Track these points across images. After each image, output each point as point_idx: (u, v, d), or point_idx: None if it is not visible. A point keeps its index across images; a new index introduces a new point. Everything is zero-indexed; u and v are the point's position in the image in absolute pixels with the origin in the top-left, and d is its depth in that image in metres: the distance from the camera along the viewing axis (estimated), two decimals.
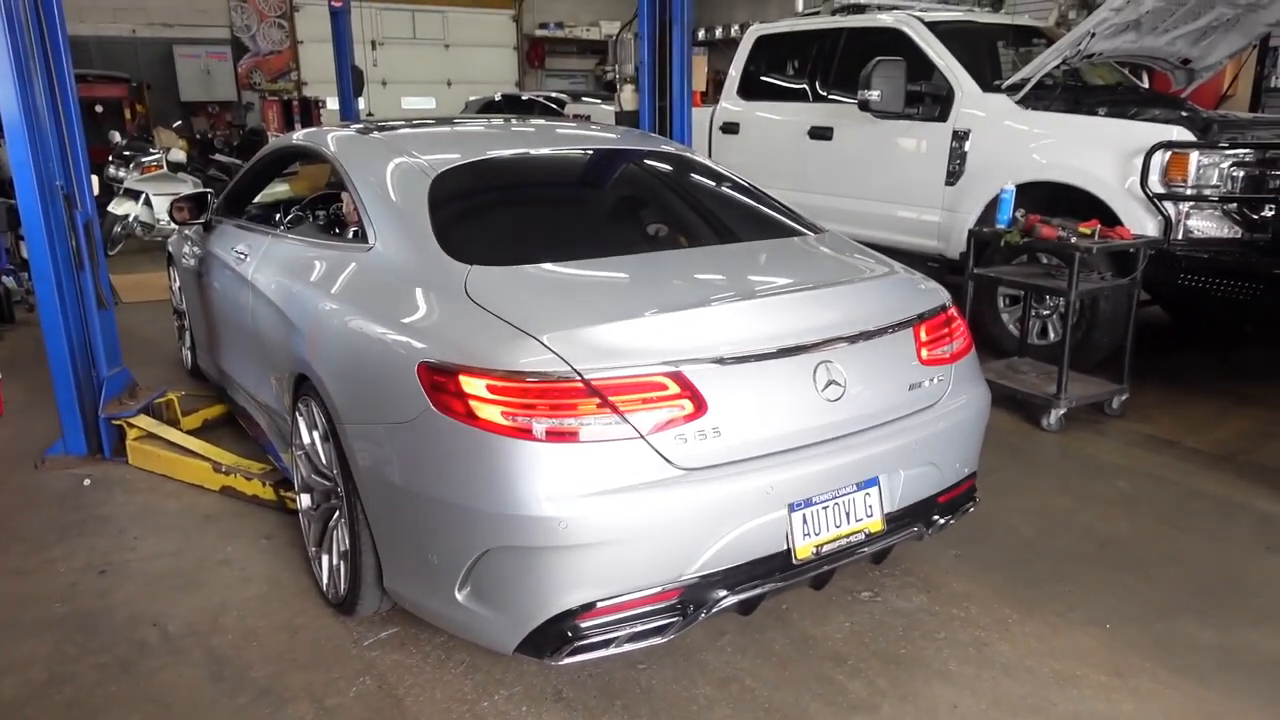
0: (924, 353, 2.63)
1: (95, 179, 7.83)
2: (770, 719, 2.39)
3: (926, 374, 2.62)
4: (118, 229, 9.20)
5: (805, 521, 2.35)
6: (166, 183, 9.32)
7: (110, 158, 10.20)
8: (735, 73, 7.45)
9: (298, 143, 3.69)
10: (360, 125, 3.65)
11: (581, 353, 2.15)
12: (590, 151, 3.45)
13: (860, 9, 6.63)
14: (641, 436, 2.13)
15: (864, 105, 5.80)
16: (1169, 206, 4.58)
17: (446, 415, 2.17)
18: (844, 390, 2.40)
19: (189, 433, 4.22)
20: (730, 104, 7.43)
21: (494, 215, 2.91)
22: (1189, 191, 4.59)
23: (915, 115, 5.75)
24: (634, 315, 2.26)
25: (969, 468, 2.82)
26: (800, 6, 7.47)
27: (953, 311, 2.81)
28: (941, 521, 2.72)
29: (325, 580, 2.88)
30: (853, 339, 2.44)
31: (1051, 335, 5.18)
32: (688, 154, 3.54)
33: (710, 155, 7.61)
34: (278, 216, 3.98)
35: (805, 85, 6.85)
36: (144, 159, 9.82)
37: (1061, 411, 4.38)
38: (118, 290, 7.64)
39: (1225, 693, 2.49)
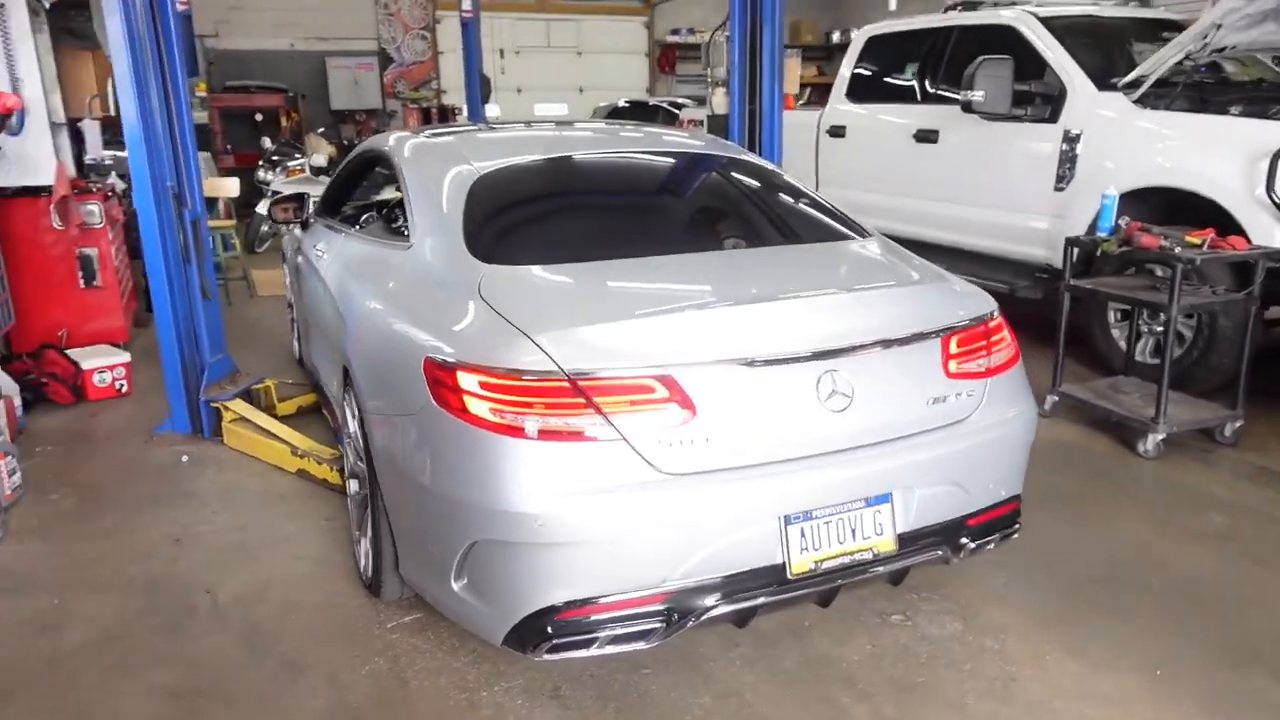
0: (952, 365, 2.49)
1: (236, 180, 8.48)
2: None
3: (954, 388, 2.48)
4: (264, 228, 9.93)
5: (803, 535, 2.27)
6: (309, 185, 9.96)
7: (260, 162, 11.00)
8: (844, 75, 7.28)
9: (372, 147, 3.87)
10: (429, 130, 3.79)
11: (571, 353, 2.16)
12: (635, 156, 3.45)
13: (973, 6, 6.33)
14: (624, 439, 2.13)
15: (967, 107, 5.55)
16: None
17: (443, 409, 2.24)
18: (850, 401, 2.30)
19: (282, 419, 4.50)
20: (838, 106, 7.26)
21: (523, 218, 2.96)
22: None
23: (1023, 117, 5.43)
24: (627, 317, 2.25)
25: (1008, 490, 2.64)
26: (893, 6, 7.19)
27: (995, 323, 2.64)
28: (972, 546, 2.57)
29: (361, 563, 3.01)
30: (864, 348, 2.34)
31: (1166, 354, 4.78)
32: (739, 157, 3.47)
33: (817, 159, 7.47)
34: (361, 217, 4.19)
35: (912, 87, 6.60)
36: (290, 163, 10.56)
37: (1160, 437, 4.03)
38: (255, 284, 8.25)
39: None
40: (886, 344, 2.38)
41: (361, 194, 4.72)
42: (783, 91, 5.55)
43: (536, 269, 2.55)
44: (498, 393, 2.16)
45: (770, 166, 3.47)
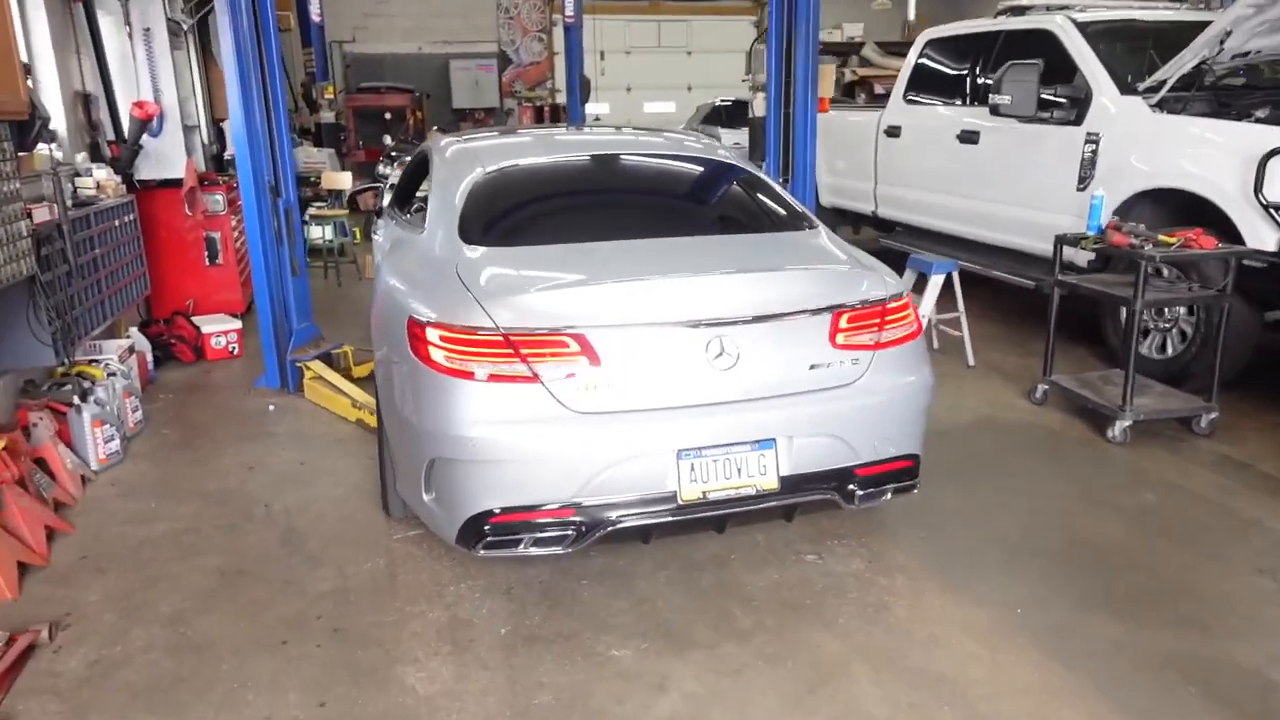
0: (839, 338, 2.94)
1: (349, 175, 9.48)
2: (657, 631, 2.86)
3: (839, 356, 2.93)
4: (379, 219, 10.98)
5: (693, 469, 2.79)
6: None
7: (381, 157, 12.11)
8: (903, 76, 7.56)
9: (424, 149, 4.57)
10: (468, 135, 4.45)
11: (507, 315, 2.75)
12: (623, 158, 4.00)
13: (1021, 10, 6.51)
14: (541, 382, 2.71)
15: (995, 109, 5.81)
16: None
17: (416, 358, 2.87)
18: (736, 362, 2.80)
19: (356, 380, 5.29)
20: (895, 107, 7.56)
21: (507, 210, 3.54)
22: None
23: (1049, 119, 5.64)
24: (553, 287, 2.83)
25: (898, 449, 3.06)
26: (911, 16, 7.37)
27: (894, 305, 3.06)
28: (862, 494, 3.01)
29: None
30: (753, 320, 2.83)
31: (1170, 350, 4.95)
32: (714, 158, 3.97)
33: (876, 158, 7.78)
34: (412, 207, 4.92)
35: (960, 89, 6.84)
36: (405, 158, 11.60)
37: (1126, 424, 4.27)
38: (363, 267, 9.22)
39: (1082, 675, 2.59)
40: (773, 317, 2.86)
41: (418, 188, 5.45)
42: (817, 96, 5.97)
43: (504, 250, 3.16)
44: (453, 345, 2.78)
45: (746, 167, 3.93)
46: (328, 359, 5.43)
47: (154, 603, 3.06)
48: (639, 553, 3.30)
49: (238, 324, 6.18)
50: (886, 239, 7.77)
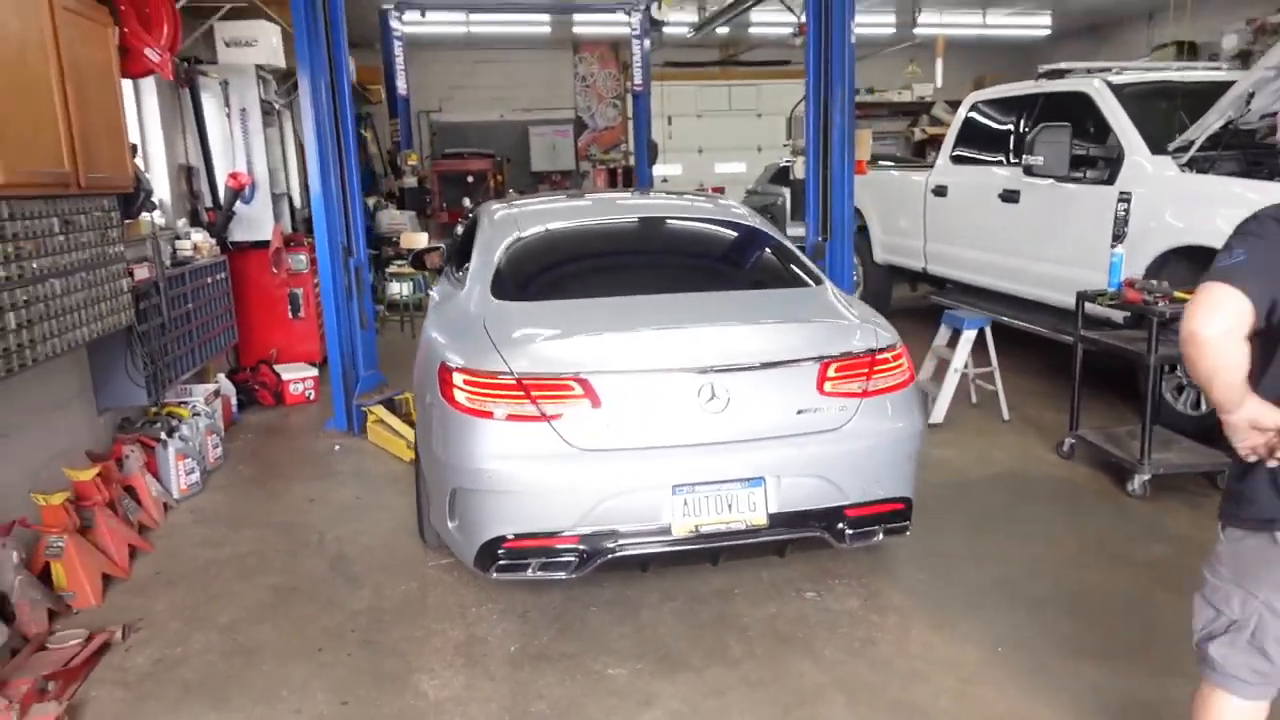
0: (827, 385, 3.17)
1: (425, 235, 10.07)
2: (654, 654, 3.09)
3: (825, 403, 3.16)
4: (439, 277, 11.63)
5: (686, 504, 3.05)
6: None
7: (460, 219, 12.81)
8: (950, 137, 7.77)
9: (477, 213, 5.02)
10: (517, 200, 4.88)
11: (522, 362, 3.09)
12: (645, 221, 4.35)
13: (1061, 74, 6.68)
14: (548, 421, 3.02)
15: (1028, 170, 5.98)
16: None
17: (443, 398, 3.23)
18: (727, 406, 3.06)
19: (411, 422, 5.71)
20: (942, 167, 7.75)
21: (535, 269, 3.89)
22: None
23: (1082, 179, 5.77)
24: (561, 337, 3.16)
25: (887, 491, 3.25)
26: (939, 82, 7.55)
27: (884, 357, 3.28)
28: (852, 533, 3.21)
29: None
30: (742, 369, 3.10)
31: (1204, 407, 4.96)
32: (730, 219, 4.26)
33: (924, 217, 7.96)
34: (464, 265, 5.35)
35: (1002, 149, 7.00)
36: None
37: (1145, 478, 4.32)
38: None
39: (1051, 713, 2.71)
40: (762, 366, 3.12)
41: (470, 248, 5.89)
42: (853, 159, 6.24)
43: (527, 305, 3.51)
44: (474, 388, 3.12)
45: (760, 228, 4.21)
46: (390, 404, 5.87)
47: (214, 614, 3.45)
48: (647, 584, 3.55)
49: (314, 372, 6.71)
50: (936, 295, 7.90)
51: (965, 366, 5.75)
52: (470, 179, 16.10)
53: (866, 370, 3.24)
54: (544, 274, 3.89)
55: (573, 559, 3.06)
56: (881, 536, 3.31)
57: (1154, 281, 4.50)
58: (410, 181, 11.84)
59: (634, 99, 12.65)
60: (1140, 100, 5.90)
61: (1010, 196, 6.64)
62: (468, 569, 3.31)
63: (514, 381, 3.06)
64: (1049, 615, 3.30)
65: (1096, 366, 5.22)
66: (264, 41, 6.44)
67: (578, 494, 3.02)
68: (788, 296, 3.70)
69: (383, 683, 2.96)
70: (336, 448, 5.53)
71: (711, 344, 3.15)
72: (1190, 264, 5.07)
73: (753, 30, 15.99)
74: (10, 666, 2.91)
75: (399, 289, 9.42)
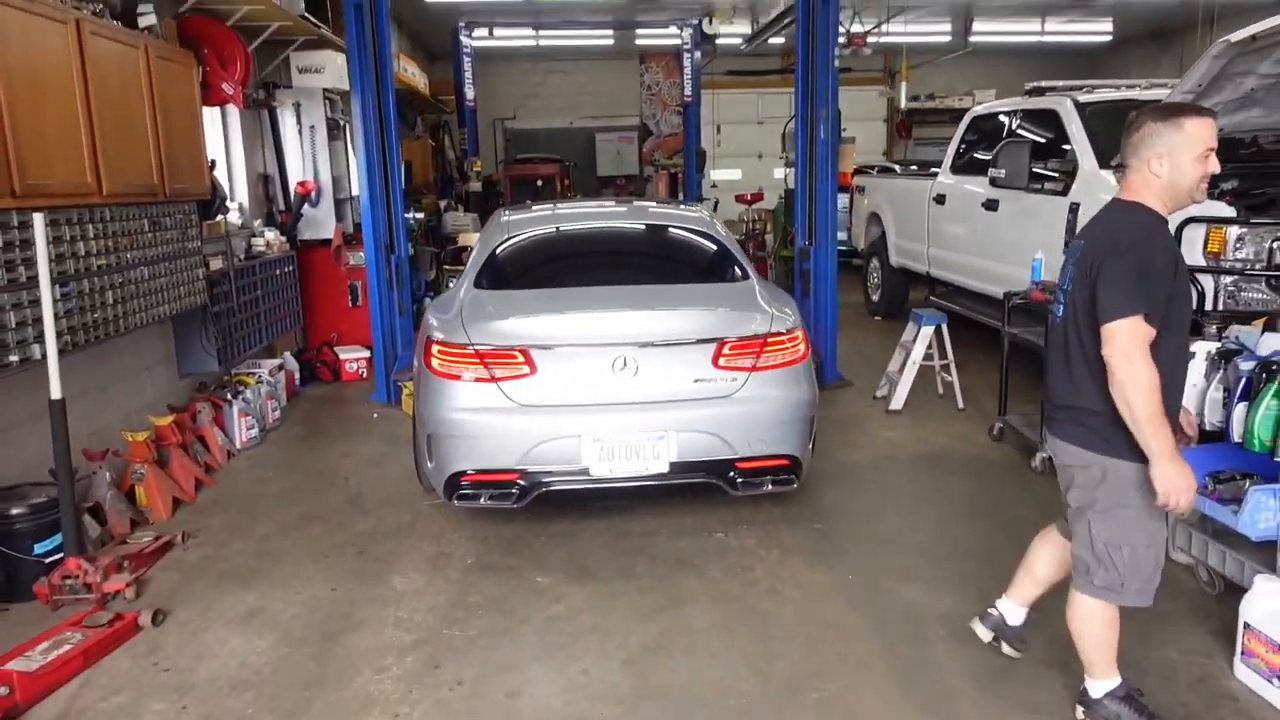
0: (721, 360, 3.94)
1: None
2: (574, 570, 3.92)
3: (718, 375, 3.93)
4: None
5: (602, 450, 3.87)
6: None
7: None
8: (951, 148, 8.32)
9: (492, 218, 5.94)
10: (521, 208, 5.77)
11: (479, 336, 3.97)
12: (613, 225, 5.19)
13: (1041, 91, 7.19)
14: (496, 382, 3.89)
15: (992, 181, 6.56)
16: (1204, 279, 4.82)
17: (425, 365, 4.13)
18: (635, 373, 3.87)
19: None
20: (943, 177, 8.31)
21: (512, 264, 4.75)
22: (1227, 264, 4.79)
23: (1040, 190, 6.32)
24: (506, 317, 4.02)
25: (772, 449, 4.00)
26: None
27: (773, 340, 4.02)
28: (741, 481, 3.98)
29: None
30: (650, 345, 3.90)
31: None
32: (694, 227, 5.04)
33: (927, 223, 8.53)
34: None
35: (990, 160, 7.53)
36: None
37: (1044, 455, 4.90)
38: None
39: (863, 617, 3.43)
40: (666, 344, 3.92)
41: None
42: (836, 172, 6.91)
43: (495, 293, 4.39)
44: (445, 356, 4.02)
45: (711, 233, 4.96)
46: None
47: (252, 529, 4.45)
48: (588, 523, 4.38)
49: (367, 353, 7.75)
50: (933, 297, 8.46)
51: (932, 359, 6.36)
52: (539, 183, 17.15)
53: (758, 350, 4.00)
54: (517, 269, 4.76)
55: (515, 491, 3.93)
56: (770, 488, 4.07)
57: (1039, 283, 5.07)
58: (475, 186, 12.90)
59: (684, 110, 13.43)
60: (1104, 118, 6.39)
61: (991, 205, 7.19)
62: (443, 501, 4.21)
63: (473, 352, 3.95)
64: (907, 556, 3.99)
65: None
66: (330, 68, 7.51)
67: (517, 440, 3.88)
68: (714, 289, 4.47)
69: (365, 579, 3.89)
70: (375, 415, 6.54)
71: (627, 325, 3.97)
72: None
73: None
74: (101, 551, 3.94)
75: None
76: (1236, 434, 3.10)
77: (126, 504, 4.44)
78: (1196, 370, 3.35)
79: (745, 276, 4.60)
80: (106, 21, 4.41)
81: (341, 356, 7.66)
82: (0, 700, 2.86)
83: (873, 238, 10.19)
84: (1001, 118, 7.64)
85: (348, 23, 6.30)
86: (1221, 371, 3.24)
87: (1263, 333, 3.25)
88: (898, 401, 6.26)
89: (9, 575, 3.70)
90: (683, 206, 5.53)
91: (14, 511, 3.70)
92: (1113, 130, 6.27)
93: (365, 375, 7.63)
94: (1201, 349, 3.36)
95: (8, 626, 3.50)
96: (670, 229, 5.13)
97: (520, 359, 3.91)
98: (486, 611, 3.58)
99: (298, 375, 7.22)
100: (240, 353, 6.07)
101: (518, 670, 3.15)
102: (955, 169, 8.15)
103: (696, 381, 3.94)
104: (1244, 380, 3.09)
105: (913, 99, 18.65)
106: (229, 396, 5.69)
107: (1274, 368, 2.98)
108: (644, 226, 5.22)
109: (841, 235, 13.51)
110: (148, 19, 4.89)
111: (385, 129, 6.59)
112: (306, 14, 7.31)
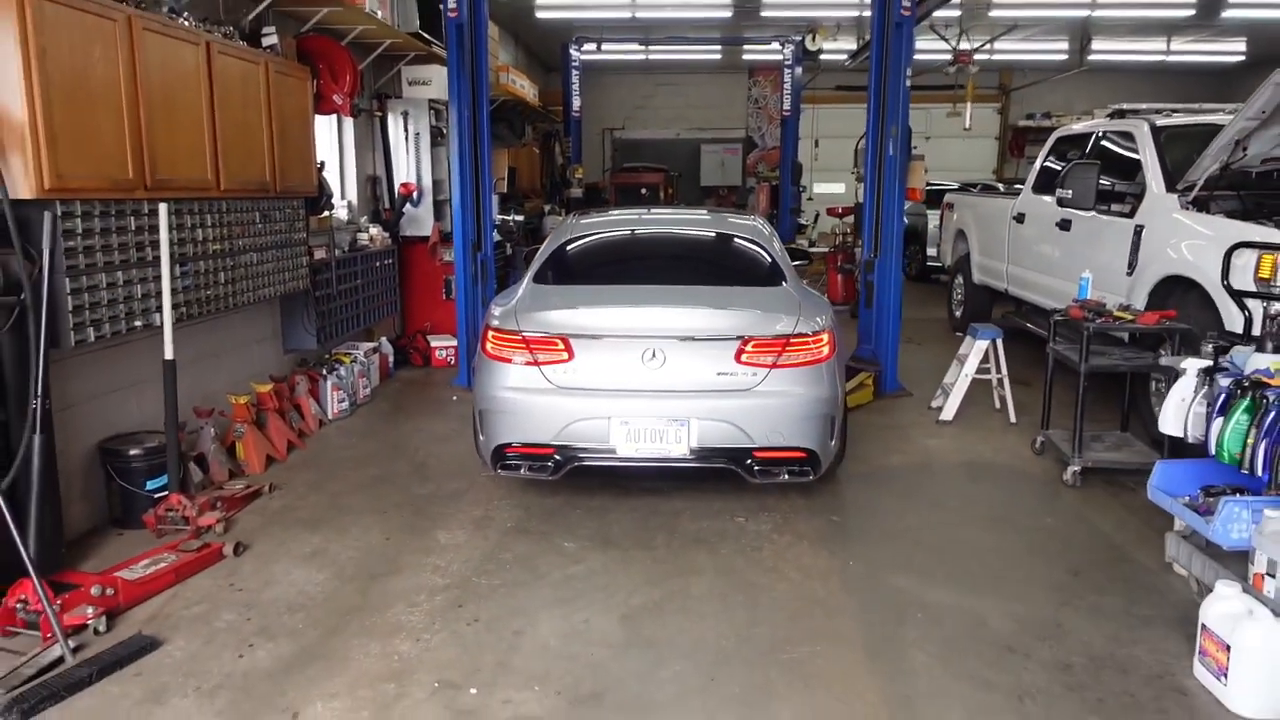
0: (743, 357, 4.27)
1: None
2: (600, 538, 4.32)
3: (740, 370, 4.27)
4: None
5: (628, 432, 4.26)
6: None
7: None
8: (1034, 168, 8.33)
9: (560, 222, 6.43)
10: (585, 214, 6.21)
11: (528, 325, 4.43)
12: (668, 230, 5.57)
13: (1123, 114, 7.16)
14: (538, 366, 4.34)
15: (1060, 202, 6.61)
16: (1250, 303, 4.82)
17: (482, 349, 4.63)
18: (663, 364, 4.25)
19: None
20: (1025, 196, 8.33)
21: (570, 262, 5.20)
22: (1277, 290, 4.77)
23: (1106, 211, 6.35)
24: (552, 310, 4.47)
25: (788, 441, 4.30)
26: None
27: (795, 341, 4.32)
28: (759, 469, 4.30)
29: None
30: (678, 339, 4.27)
31: None
32: (741, 234, 5.37)
33: (1008, 240, 8.55)
34: None
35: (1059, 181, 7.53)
36: None
37: (1075, 469, 5.00)
38: None
39: (852, 599, 3.69)
40: (693, 339, 4.28)
41: None
42: (905, 188, 7.09)
43: (548, 287, 4.85)
44: (498, 341, 4.50)
45: (757, 240, 5.28)
46: None
47: (328, 486, 5.05)
48: (623, 501, 4.77)
49: (455, 342, 8.39)
50: (1009, 314, 8.46)
51: (995, 374, 6.46)
52: (644, 191, 17.73)
53: (780, 349, 4.31)
54: (573, 267, 5.22)
55: (550, 464, 4.37)
56: (786, 478, 4.36)
57: (1102, 304, 5.15)
58: (576, 193, 13.51)
59: (783, 124, 13.68)
60: (1180, 141, 6.36)
61: (1065, 225, 7.21)
62: (491, 473, 4.69)
63: (521, 339, 4.41)
64: (913, 551, 4.21)
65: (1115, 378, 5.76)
66: (437, 80, 8.18)
67: (554, 418, 4.32)
68: (747, 292, 4.79)
69: (415, 532, 4.40)
70: (454, 398, 7.12)
71: (657, 320, 4.36)
72: (1190, 292, 5.58)
73: (917, 58, 16.56)
74: (200, 493, 4.60)
75: None
76: (1213, 447, 3.22)
77: (227, 457, 5.11)
78: (1186, 386, 3.47)
79: (784, 280, 4.90)
80: (233, 42, 5.11)
81: (432, 344, 8.31)
82: (106, 599, 3.48)
83: (959, 254, 10.21)
84: (1084, 139, 7.63)
85: (449, 41, 6.92)
86: (1206, 387, 3.36)
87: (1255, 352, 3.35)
88: (948, 412, 6.39)
89: (125, 506, 4.39)
90: (737, 216, 5.87)
91: (131, 452, 4.39)
92: (1187, 153, 6.31)
93: (452, 362, 8.25)
94: (1192, 366, 3.48)
95: (121, 546, 4.18)
96: (719, 235, 5.49)
97: (560, 345, 4.35)
98: (513, 567, 4.02)
99: (392, 359, 7.91)
100: (338, 334, 6.76)
101: (527, 615, 3.57)
102: (1036, 188, 8.15)
103: (719, 374, 4.28)
104: (1223, 396, 3.21)
105: (1028, 117, 18.28)
106: (324, 372, 6.37)
107: (1246, 385, 3.10)
108: (695, 233, 5.60)
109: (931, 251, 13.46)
110: (270, 39, 5.61)
111: (478, 138, 7.18)
112: (421, 30, 8.02)
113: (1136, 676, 3.12)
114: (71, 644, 3.19)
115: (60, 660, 3.12)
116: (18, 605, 3.29)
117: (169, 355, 4.31)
